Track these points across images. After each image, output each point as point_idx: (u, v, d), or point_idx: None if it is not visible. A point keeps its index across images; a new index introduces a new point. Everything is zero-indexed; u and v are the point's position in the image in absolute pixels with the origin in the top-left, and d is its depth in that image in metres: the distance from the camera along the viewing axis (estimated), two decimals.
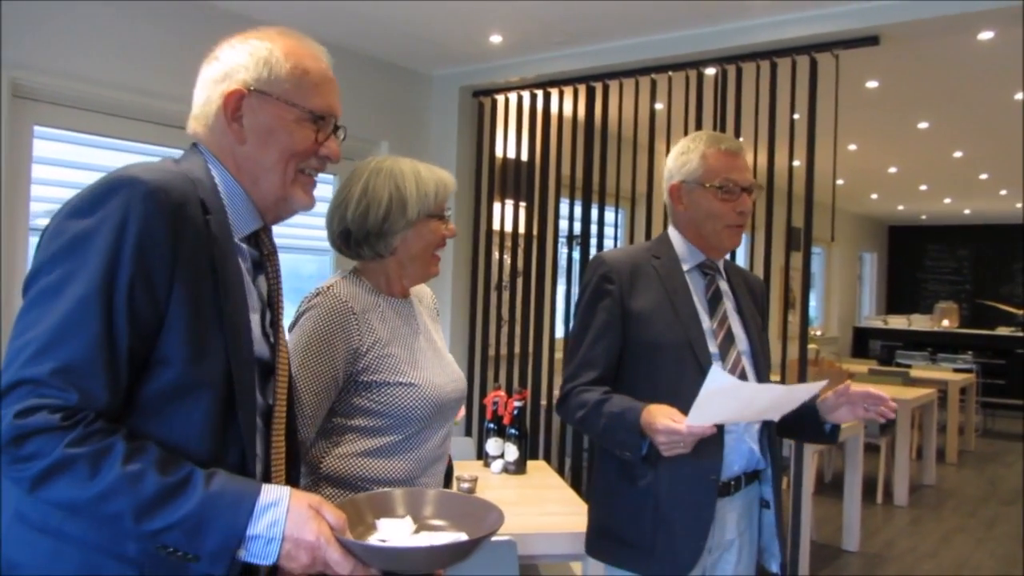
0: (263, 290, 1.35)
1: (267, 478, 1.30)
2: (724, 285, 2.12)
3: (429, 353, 1.92)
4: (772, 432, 2.05)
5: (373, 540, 1.25)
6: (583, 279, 2.13)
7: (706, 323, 2.02)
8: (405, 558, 1.22)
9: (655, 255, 2.09)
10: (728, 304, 2.09)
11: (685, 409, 1.76)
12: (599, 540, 2.08)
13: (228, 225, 1.26)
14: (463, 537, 1.27)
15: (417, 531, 1.30)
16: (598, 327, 2.02)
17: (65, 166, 3.47)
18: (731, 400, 1.76)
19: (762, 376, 2.04)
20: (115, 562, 1.12)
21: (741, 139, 3.91)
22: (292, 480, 1.44)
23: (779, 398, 1.80)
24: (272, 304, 1.36)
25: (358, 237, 1.89)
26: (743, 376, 2.00)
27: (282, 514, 1.13)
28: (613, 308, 2.01)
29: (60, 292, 1.09)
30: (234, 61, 1.28)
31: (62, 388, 1.06)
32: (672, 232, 2.14)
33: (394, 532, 1.28)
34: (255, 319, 1.29)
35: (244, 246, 1.32)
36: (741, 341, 2.05)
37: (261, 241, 1.36)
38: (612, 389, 1.99)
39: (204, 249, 1.18)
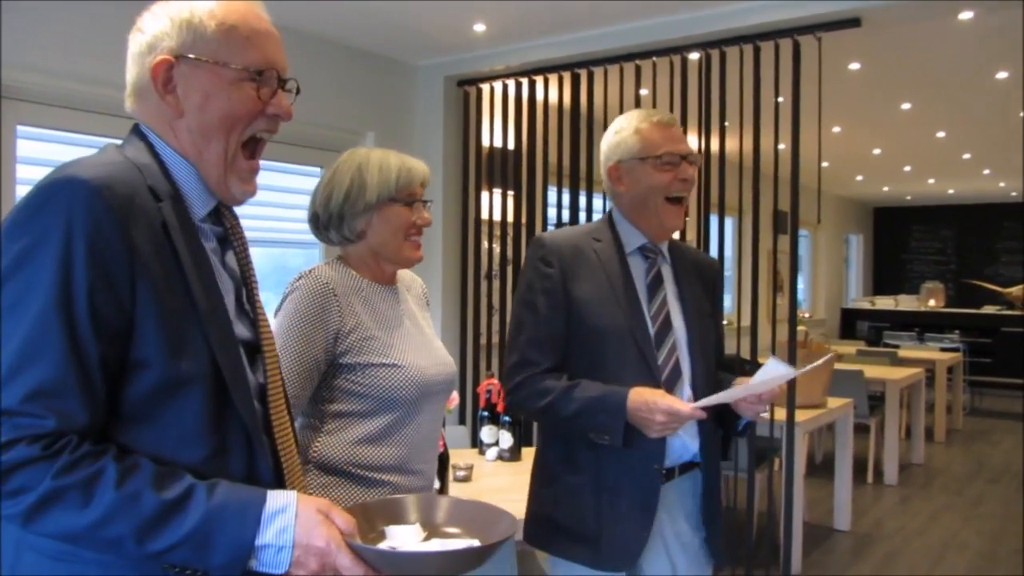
0: (234, 266, 1.28)
1: (276, 458, 1.26)
2: (667, 269, 2.08)
3: (415, 337, 1.94)
4: (711, 429, 2.02)
5: (383, 547, 1.22)
6: (524, 261, 2.09)
7: (645, 308, 1.99)
8: (417, 564, 1.19)
9: (596, 237, 2.05)
10: (669, 289, 2.05)
11: None
12: (539, 528, 2.03)
13: (185, 208, 1.19)
14: (475, 543, 1.24)
15: (428, 537, 1.27)
16: (541, 311, 1.97)
17: (50, 165, 3.44)
18: (757, 384, 1.82)
19: (696, 364, 2.00)
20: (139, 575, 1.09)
21: (727, 123, 3.92)
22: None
23: (786, 377, 1.84)
24: (246, 279, 1.29)
25: (324, 221, 1.93)
26: (677, 365, 1.97)
27: (291, 520, 1.09)
28: (554, 292, 1.97)
29: (16, 314, 1.02)
30: (156, 29, 1.19)
31: (37, 414, 1.00)
32: (615, 214, 2.10)
33: (403, 539, 1.25)
34: (230, 300, 1.23)
35: (206, 226, 1.24)
36: (679, 328, 2.01)
37: (223, 215, 1.28)
38: (570, 376, 1.96)
39: (162, 239, 1.11)
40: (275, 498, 1.10)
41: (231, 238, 1.29)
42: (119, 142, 1.24)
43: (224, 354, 1.15)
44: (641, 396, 1.82)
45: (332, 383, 1.84)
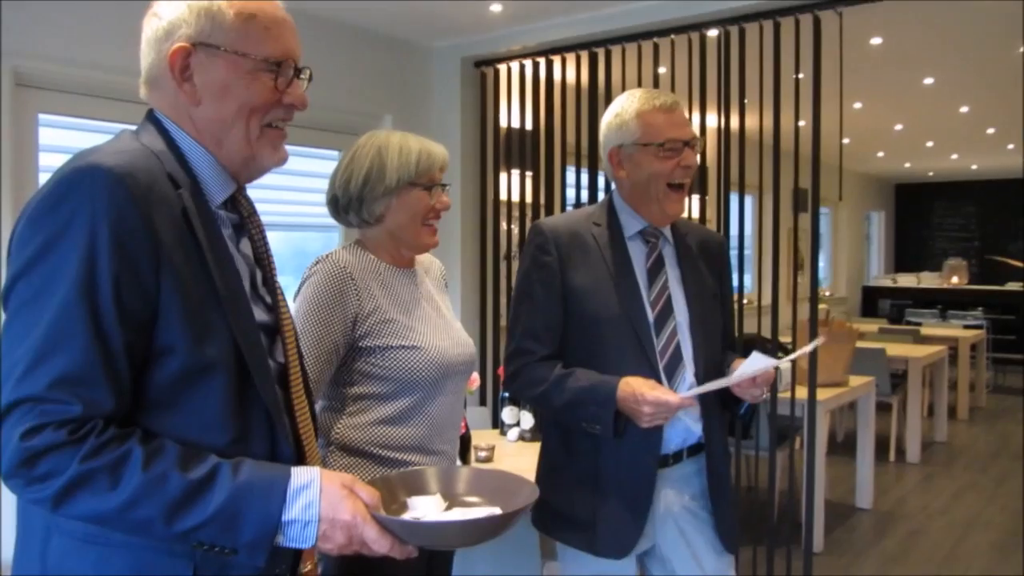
0: (248, 252, 1.29)
1: (297, 440, 1.27)
2: (669, 251, 2.05)
3: (434, 319, 1.95)
4: (716, 411, 2.01)
5: (407, 518, 1.23)
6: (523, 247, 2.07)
7: (645, 294, 1.97)
8: (442, 533, 1.22)
9: (596, 222, 2.03)
10: (670, 273, 2.02)
11: (651, 378, 1.86)
12: (543, 513, 2.04)
13: (202, 195, 1.20)
14: (497, 511, 1.25)
15: (450, 507, 1.28)
16: (538, 300, 1.97)
17: (72, 153, 3.47)
18: (738, 377, 1.81)
19: (699, 348, 1.97)
20: (166, 558, 1.11)
21: (746, 101, 3.89)
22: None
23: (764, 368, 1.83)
24: (262, 263, 1.31)
25: (344, 204, 1.94)
26: (677, 350, 1.95)
27: (315, 495, 1.11)
28: (551, 281, 1.96)
29: (41, 302, 1.03)
30: (174, 16, 1.19)
31: (63, 401, 1.02)
32: (615, 197, 2.07)
33: (426, 509, 1.26)
34: (245, 285, 1.24)
35: (222, 213, 1.25)
36: (680, 312, 1.99)
37: (238, 203, 1.29)
38: (567, 364, 1.97)
39: (182, 226, 1.13)
40: (299, 474, 1.12)
41: (248, 225, 1.29)
42: (134, 128, 1.25)
43: (245, 339, 1.16)
44: (629, 387, 1.81)
45: (352, 366, 1.85)
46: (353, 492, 1.14)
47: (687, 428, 1.98)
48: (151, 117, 1.24)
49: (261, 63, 1.20)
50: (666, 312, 1.97)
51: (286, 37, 1.23)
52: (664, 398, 1.77)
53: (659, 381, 1.90)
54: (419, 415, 1.87)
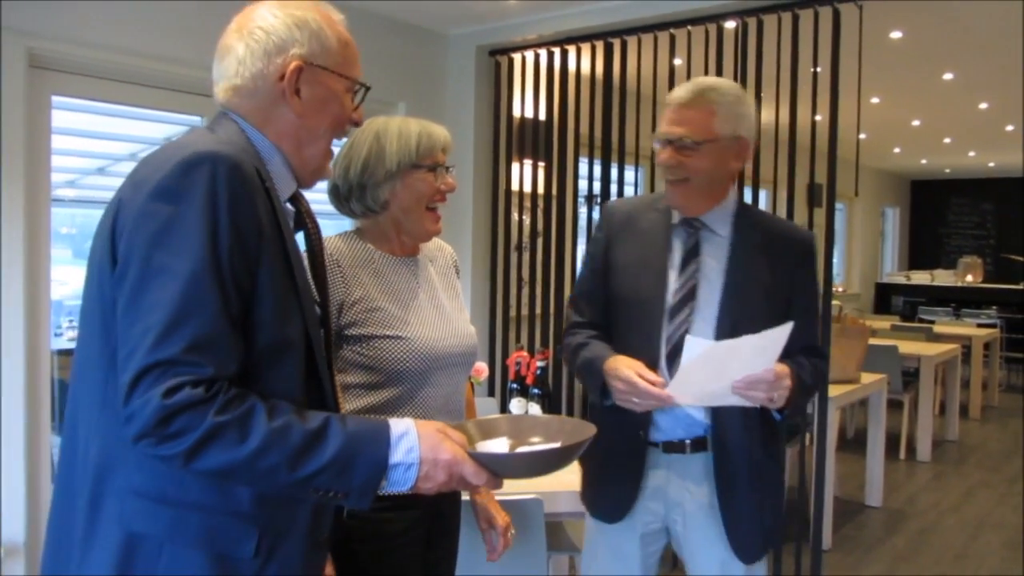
0: (304, 247, 1.44)
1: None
2: (716, 242, 2.00)
3: (429, 310, 1.93)
4: (728, 411, 1.93)
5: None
6: None
7: (673, 279, 1.98)
8: (527, 462, 1.37)
9: (657, 208, 2.08)
10: (708, 262, 1.98)
11: (650, 362, 1.90)
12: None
13: (277, 191, 1.31)
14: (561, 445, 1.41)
15: (514, 447, 1.44)
16: (586, 273, 2.14)
17: (85, 136, 3.47)
18: (711, 368, 1.73)
19: (721, 338, 1.88)
20: (234, 519, 1.20)
21: (762, 94, 3.85)
22: None
23: (754, 351, 1.73)
24: (315, 258, 1.47)
25: (344, 192, 1.92)
26: (683, 338, 1.88)
27: (415, 440, 1.24)
28: (598, 256, 2.09)
29: (169, 273, 1.12)
30: (284, 33, 1.31)
31: (197, 363, 1.10)
32: None
33: (496, 449, 1.42)
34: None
35: (288, 206, 1.39)
36: (707, 303, 1.94)
37: (298, 200, 1.43)
38: (604, 335, 2.07)
39: (272, 216, 1.24)
40: (396, 424, 1.26)
41: (306, 220, 1.45)
42: (197, 120, 1.35)
43: (312, 324, 1.30)
44: (613, 363, 1.90)
45: (338, 354, 1.84)
46: (447, 435, 1.29)
47: (689, 416, 1.96)
48: (226, 116, 1.34)
49: (352, 84, 1.39)
50: (687, 300, 1.96)
51: (358, 61, 1.43)
52: (632, 379, 1.83)
53: (657, 365, 1.92)
54: (406, 406, 1.85)
